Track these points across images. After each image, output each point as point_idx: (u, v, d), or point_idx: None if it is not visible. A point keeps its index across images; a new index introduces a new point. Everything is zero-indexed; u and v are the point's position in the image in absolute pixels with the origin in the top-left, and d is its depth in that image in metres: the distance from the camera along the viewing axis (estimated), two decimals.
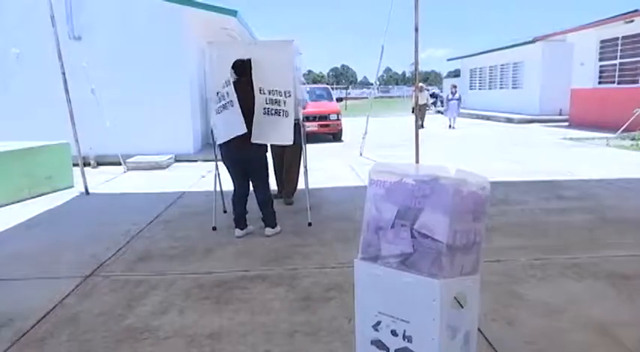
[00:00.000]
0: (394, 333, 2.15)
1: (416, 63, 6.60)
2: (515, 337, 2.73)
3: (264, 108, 4.75)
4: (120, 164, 8.97)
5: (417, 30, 6.41)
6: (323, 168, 8.39)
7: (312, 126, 13.03)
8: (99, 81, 8.69)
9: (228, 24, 10.95)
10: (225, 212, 5.57)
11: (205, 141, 10.99)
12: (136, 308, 3.19)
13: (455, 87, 18.56)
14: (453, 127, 17.34)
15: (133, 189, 7.20)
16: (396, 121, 20.80)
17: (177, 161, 9.73)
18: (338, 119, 13.69)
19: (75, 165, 7.22)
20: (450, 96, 18.01)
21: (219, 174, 5.35)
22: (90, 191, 6.86)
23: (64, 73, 6.57)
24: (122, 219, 5.41)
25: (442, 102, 24.98)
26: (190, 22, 10.17)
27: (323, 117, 13.53)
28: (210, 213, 5.09)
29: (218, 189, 5.38)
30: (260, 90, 4.72)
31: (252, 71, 4.72)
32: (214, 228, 4.93)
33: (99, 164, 9.35)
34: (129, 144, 9.37)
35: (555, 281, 3.51)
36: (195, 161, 9.67)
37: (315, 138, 13.01)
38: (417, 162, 6.49)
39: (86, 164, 7.91)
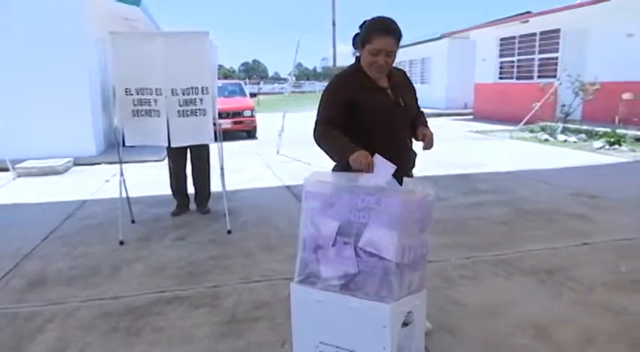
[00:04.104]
0: None
1: (334, 58, 6.43)
2: (457, 347, 2.60)
3: (178, 111, 4.55)
4: (7, 170, 7.93)
5: (334, 24, 6.23)
6: (239, 169, 7.99)
7: (225, 124, 12.52)
8: None
9: (130, 14, 10.15)
10: (133, 222, 5.04)
11: (109, 142, 10.11)
12: (26, 348, 2.67)
13: None
14: None
15: (24, 199, 6.35)
16: (311, 117, 20.66)
17: (76, 165, 8.80)
18: (252, 115, 13.29)
19: None
20: None
21: (124, 180, 4.84)
22: None
23: None
24: (10, 235, 4.70)
25: None
26: (88, 12, 9.25)
27: (237, 113, 13.05)
28: (115, 224, 4.56)
29: (124, 195, 4.87)
30: (173, 92, 4.50)
31: (163, 67, 4.39)
32: (121, 242, 4.39)
33: None
34: (18, 147, 8.32)
35: (487, 280, 3.47)
36: (98, 164, 8.83)
37: (228, 135, 12.48)
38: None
39: None
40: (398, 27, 2.32)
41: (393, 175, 1.94)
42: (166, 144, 4.74)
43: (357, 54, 2.44)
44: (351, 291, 1.85)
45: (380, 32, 2.30)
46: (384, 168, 2.01)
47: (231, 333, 2.79)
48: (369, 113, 2.36)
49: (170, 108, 4.57)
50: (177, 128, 4.63)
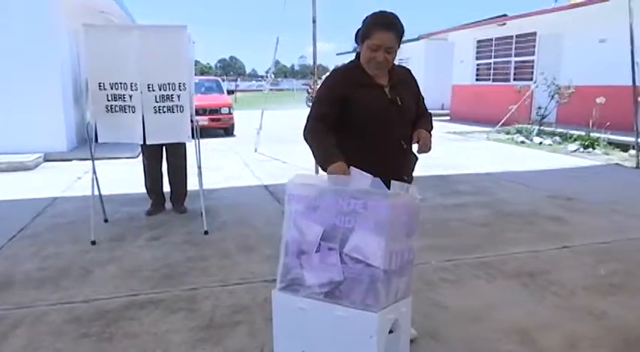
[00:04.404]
0: None
1: (314, 56, 6.35)
2: None
3: (154, 107, 4.40)
4: None
5: (314, 21, 6.15)
6: (216, 167, 7.84)
7: (202, 121, 12.31)
8: None
9: (105, 7, 9.88)
10: (106, 221, 4.87)
11: (81, 137, 9.81)
12: None
13: None
14: None
15: None
16: (289, 114, 20.54)
17: (47, 160, 8.52)
18: (230, 113, 13.11)
19: None
20: None
21: (96, 177, 4.67)
22: None
23: None
24: None
25: None
26: (60, 3, 8.94)
27: (214, 110, 12.85)
28: (87, 222, 4.39)
29: (96, 193, 4.70)
30: (149, 88, 4.35)
31: (138, 61, 4.24)
32: (93, 242, 4.23)
33: None
34: None
35: (469, 283, 3.44)
36: (70, 160, 8.55)
37: (205, 133, 12.29)
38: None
39: None
40: (400, 22, 2.23)
41: (383, 179, 1.86)
42: (141, 142, 4.59)
43: (358, 49, 2.30)
44: (336, 299, 1.77)
45: (380, 27, 2.17)
46: (360, 179, 1.92)
47: (209, 339, 2.68)
48: (360, 111, 2.22)
49: (146, 104, 4.42)
50: (153, 124, 4.49)
